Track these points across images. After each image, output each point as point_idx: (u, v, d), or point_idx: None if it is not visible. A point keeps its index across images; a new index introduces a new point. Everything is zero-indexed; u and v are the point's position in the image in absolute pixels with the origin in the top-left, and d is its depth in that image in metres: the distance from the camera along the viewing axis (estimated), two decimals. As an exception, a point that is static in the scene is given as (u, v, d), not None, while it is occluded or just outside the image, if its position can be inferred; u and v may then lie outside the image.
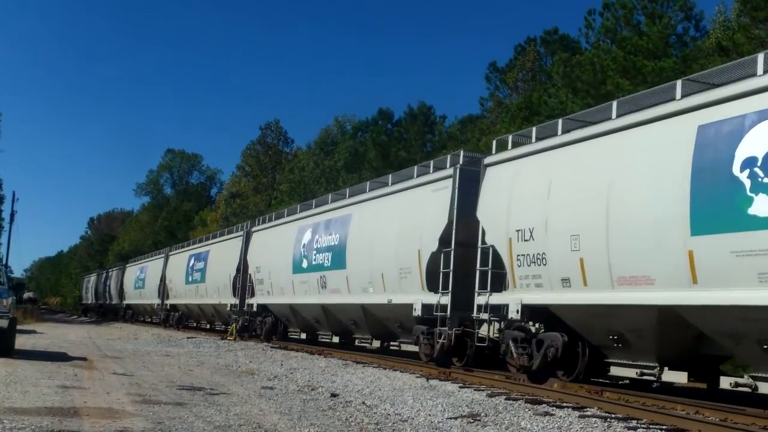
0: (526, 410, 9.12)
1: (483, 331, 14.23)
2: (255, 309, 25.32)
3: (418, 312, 15.34)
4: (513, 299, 12.69)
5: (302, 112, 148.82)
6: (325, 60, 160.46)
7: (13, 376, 10.88)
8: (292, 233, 22.66)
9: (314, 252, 20.60)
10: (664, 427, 8.15)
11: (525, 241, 12.38)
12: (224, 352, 19.34)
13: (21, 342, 17.21)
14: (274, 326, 24.50)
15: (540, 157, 12.73)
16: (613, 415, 8.85)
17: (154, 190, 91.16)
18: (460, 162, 15.23)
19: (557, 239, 11.63)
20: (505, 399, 10.20)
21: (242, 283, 26.68)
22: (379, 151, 44.39)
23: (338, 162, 47.23)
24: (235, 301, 27.23)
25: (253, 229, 27.16)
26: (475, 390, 11.29)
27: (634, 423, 8.34)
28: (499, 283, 13.40)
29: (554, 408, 9.37)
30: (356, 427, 7.64)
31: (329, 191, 28.32)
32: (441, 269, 14.72)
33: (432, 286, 15.15)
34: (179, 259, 37.81)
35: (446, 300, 14.54)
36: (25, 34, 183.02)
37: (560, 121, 12.83)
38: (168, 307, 38.86)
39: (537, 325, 12.90)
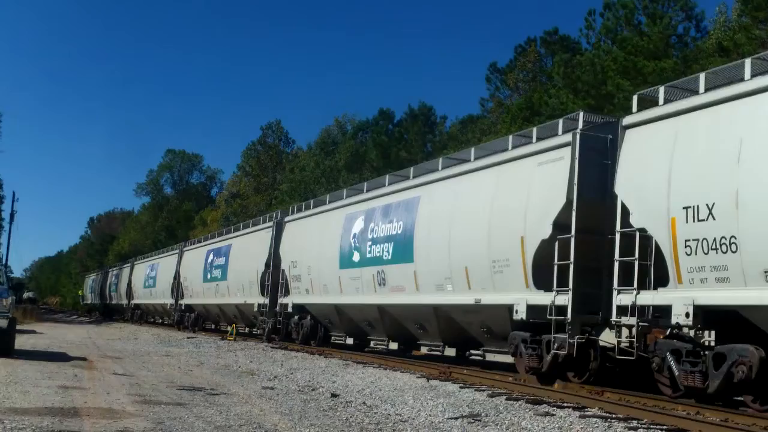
0: (527, 410, 9.11)
1: (609, 338, 11.28)
2: (290, 309, 22.47)
3: (521, 315, 12.31)
4: (679, 298, 9.76)
5: (303, 112, 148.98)
6: (325, 60, 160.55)
7: (13, 376, 10.88)
8: (338, 222, 19.72)
9: (369, 243, 17.69)
10: (664, 427, 8.14)
11: (699, 221, 9.54)
12: (224, 353, 19.33)
13: (21, 342, 17.20)
14: (313, 329, 21.71)
15: (718, 110, 9.76)
16: (613, 416, 8.84)
17: (154, 190, 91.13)
18: (580, 126, 12.31)
19: (757, 217, 8.88)
20: (506, 399, 10.19)
21: (273, 280, 23.74)
22: (380, 152, 44.39)
23: (339, 162, 47.22)
24: (264, 300, 24.28)
25: (287, 218, 23.95)
26: (475, 390, 11.28)
27: (634, 423, 8.33)
28: (643, 278, 10.60)
29: (555, 408, 9.37)
30: (356, 427, 7.64)
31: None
32: (556, 261, 11.68)
33: (541, 282, 12.18)
34: (196, 255, 34.49)
35: (564, 300, 11.55)
36: (25, 34, 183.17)
37: (748, 61, 9.80)
38: (183, 307, 35.68)
39: (710, 334, 9.97)
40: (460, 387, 11.69)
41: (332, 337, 21.30)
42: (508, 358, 13.47)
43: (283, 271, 22.99)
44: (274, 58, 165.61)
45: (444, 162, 16.22)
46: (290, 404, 9.22)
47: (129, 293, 49.18)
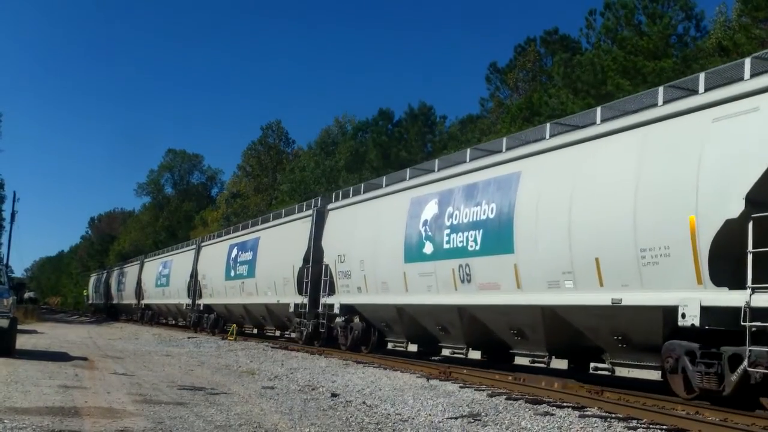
0: (527, 410, 9.12)
1: None
2: (336, 310, 19.64)
3: (692, 320, 9.43)
4: None
5: (303, 112, 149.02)
6: (325, 60, 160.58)
7: (14, 375, 10.90)
8: (401, 207, 16.82)
9: (446, 231, 14.69)
10: (664, 427, 8.15)
11: None
12: (225, 352, 19.35)
13: (22, 342, 17.23)
14: (365, 333, 18.86)
15: None
16: (613, 415, 8.85)
17: (154, 190, 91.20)
18: None
19: None
20: (506, 399, 10.20)
21: (313, 277, 20.98)
22: (380, 152, 44.41)
23: (339, 162, 47.25)
24: (302, 299, 21.46)
25: (330, 206, 21.23)
26: (475, 390, 11.29)
27: (634, 423, 8.34)
28: None
29: (554, 408, 9.37)
30: (356, 427, 7.65)
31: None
32: (750, 248, 8.84)
33: (722, 277, 9.42)
34: (216, 250, 31.21)
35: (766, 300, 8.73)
36: (26, 34, 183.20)
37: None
38: (201, 308, 32.44)
39: None
40: (460, 387, 11.70)
41: (389, 343, 18.24)
42: (651, 374, 10.81)
43: (327, 266, 20.23)
44: (274, 58, 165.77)
45: (553, 128, 13.05)
46: (290, 404, 9.24)
47: (138, 293, 46.27)
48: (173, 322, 40.08)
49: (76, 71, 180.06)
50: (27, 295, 46.48)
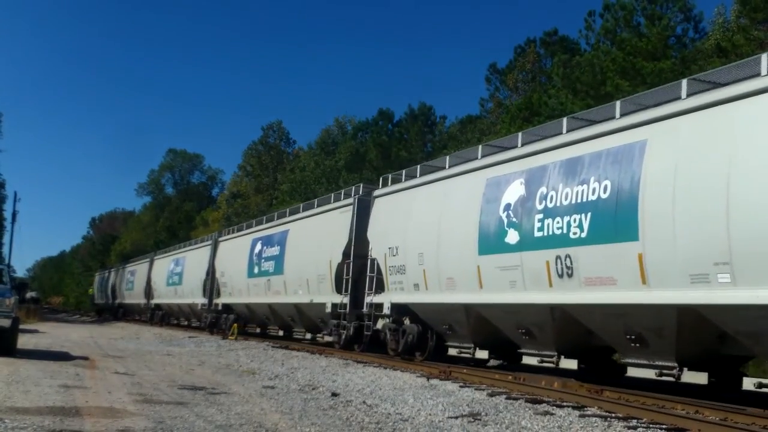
0: (527, 409, 9.15)
1: None
2: (386, 311, 17.17)
3: None
4: None
5: (303, 112, 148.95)
6: (325, 60, 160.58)
7: (15, 375, 10.93)
8: (473, 191, 14.22)
9: (538, 217, 12.24)
10: (664, 426, 8.18)
11: None
12: (225, 352, 19.38)
13: (23, 341, 17.27)
14: (421, 337, 16.35)
15: None
16: (613, 415, 8.88)
17: (155, 190, 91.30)
18: None
19: None
20: (506, 398, 10.23)
21: (354, 273, 18.86)
22: (380, 152, 44.45)
23: (339, 162, 47.29)
24: (342, 298, 19.23)
25: (377, 193, 18.77)
26: (475, 389, 11.32)
27: (634, 422, 8.36)
28: None
29: (554, 407, 9.40)
30: (357, 427, 7.68)
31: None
32: None
33: None
34: (237, 246, 28.72)
35: None
36: (27, 34, 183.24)
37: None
38: (220, 308, 29.88)
39: None
40: (460, 386, 11.73)
41: (451, 349, 15.74)
42: None
43: (374, 261, 17.89)
44: (274, 58, 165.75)
45: (691, 86, 10.44)
46: (291, 403, 9.27)
47: (148, 292, 43.56)
48: (186, 323, 37.72)
49: (76, 71, 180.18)
50: (29, 294, 46.16)
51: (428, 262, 15.46)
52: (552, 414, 8.83)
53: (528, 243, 12.44)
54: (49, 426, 6.81)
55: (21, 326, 17.43)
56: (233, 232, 30.93)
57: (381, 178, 19.61)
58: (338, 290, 19.49)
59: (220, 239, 31.68)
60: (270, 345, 22.56)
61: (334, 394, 10.33)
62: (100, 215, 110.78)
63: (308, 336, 24.13)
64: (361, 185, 20.24)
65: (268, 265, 24.62)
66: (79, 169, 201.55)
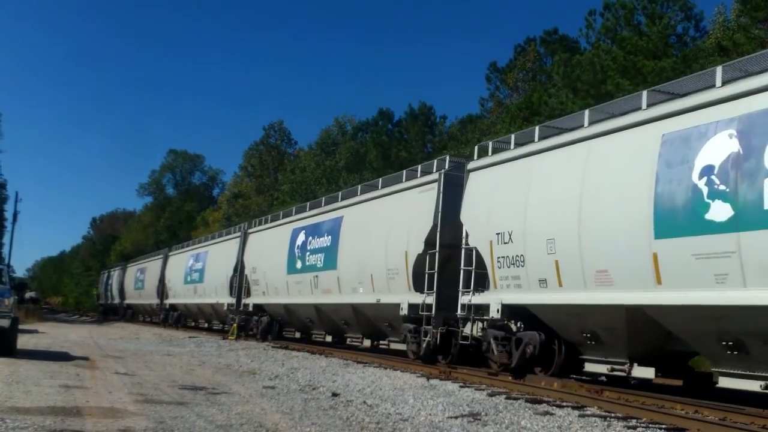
0: (527, 409, 9.15)
1: None
2: (495, 314, 13.36)
3: None
4: None
5: (303, 112, 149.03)
6: (325, 60, 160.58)
7: (16, 375, 10.93)
8: (639, 152, 10.65)
9: (745, 178, 9.05)
10: (663, 426, 8.18)
11: None
12: (226, 352, 19.38)
13: (23, 342, 17.27)
14: (545, 349, 12.65)
15: None
16: (612, 414, 8.88)
17: (156, 191, 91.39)
18: None
19: None
20: (506, 398, 10.24)
21: (439, 266, 15.33)
22: (380, 152, 44.47)
23: (339, 162, 47.31)
24: (423, 298, 15.57)
25: (472, 165, 14.93)
26: (475, 389, 11.33)
27: (633, 422, 8.37)
28: None
29: (554, 407, 9.40)
30: (357, 427, 7.69)
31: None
32: None
33: None
34: (272, 237, 25.28)
35: None
36: (27, 34, 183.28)
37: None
38: (250, 308, 26.43)
39: None
40: (460, 386, 11.73)
41: (590, 364, 12.02)
42: None
43: (471, 250, 14.33)
44: (273, 58, 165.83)
45: None
46: (291, 403, 9.27)
47: (161, 291, 40.18)
48: (206, 325, 34.25)
49: (77, 71, 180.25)
50: (28, 295, 46.11)
51: (563, 250, 11.71)
52: (552, 414, 8.83)
53: (750, 219, 8.92)
54: (49, 426, 6.82)
55: (20, 326, 17.43)
56: (266, 222, 27.10)
57: (476, 147, 15.42)
58: (417, 288, 15.83)
59: (251, 230, 27.82)
60: (270, 345, 22.56)
61: (335, 394, 10.34)
62: (101, 215, 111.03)
63: (366, 343, 19.96)
64: (447, 158, 16.63)
65: (316, 259, 20.93)
66: (80, 169, 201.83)
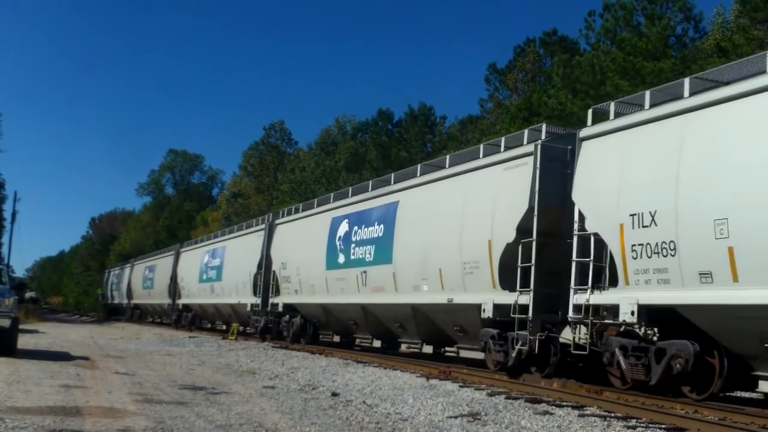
0: (526, 409, 9.16)
1: None
2: (629, 317, 10.54)
3: None
4: None
5: (303, 112, 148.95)
6: (325, 61, 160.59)
7: (16, 375, 10.94)
8: None
9: None
10: (663, 426, 8.19)
11: None
12: (226, 352, 19.38)
13: (23, 341, 17.27)
14: (698, 361, 9.90)
15: None
16: (612, 414, 8.89)
17: (155, 190, 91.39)
18: None
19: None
20: (505, 398, 10.24)
21: (534, 256, 12.41)
22: (380, 152, 44.50)
23: (339, 162, 47.33)
24: (518, 297, 12.65)
25: (585, 132, 12.14)
26: (475, 389, 11.33)
27: (633, 422, 8.38)
28: None
29: (554, 407, 9.41)
30: (357, 426, 7.69)
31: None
32: None
33: None
34: (306, 228, 22.33)
35: None
36: (27, 34, 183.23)
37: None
38: (280, 309, 23.50)
39: None
40: (460, 386, 11.73)
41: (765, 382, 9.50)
42: None
43: (593, 237, 11.47)
44: (274, 59, 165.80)
45: None
46: (291, 403, 9.28)
47: (173, 291, 37.54)
48: (224, 327, 31.68)
49: (77, 71, 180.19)
50: (28, 294, 45.74)
51: (743, 233, 9.01)
52: (551, 414, 8.84)
53: None
54: (50, 426, 6.82)
55: (21, 326, 17.44)
56: (295, 212, 24.18)
57: (590, 112, 12.71)
58: (505, 285, 13.16)
59: (278, 222, 24.90)
60: (270, 345, 22.54)
61: (334, 394, 10.35)
62: (100, 215, 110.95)
63: (428, 349, 16.90)
64: (543, 126, 13.84)
65: (363, 252, 18.11)
66: (79, 169, 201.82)
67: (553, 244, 12.43)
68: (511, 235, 12.88)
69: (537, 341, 12.25)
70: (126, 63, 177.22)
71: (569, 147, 12.63)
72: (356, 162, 45.68)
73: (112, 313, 56.47)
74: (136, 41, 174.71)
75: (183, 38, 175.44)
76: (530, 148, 13.02)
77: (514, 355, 12.74)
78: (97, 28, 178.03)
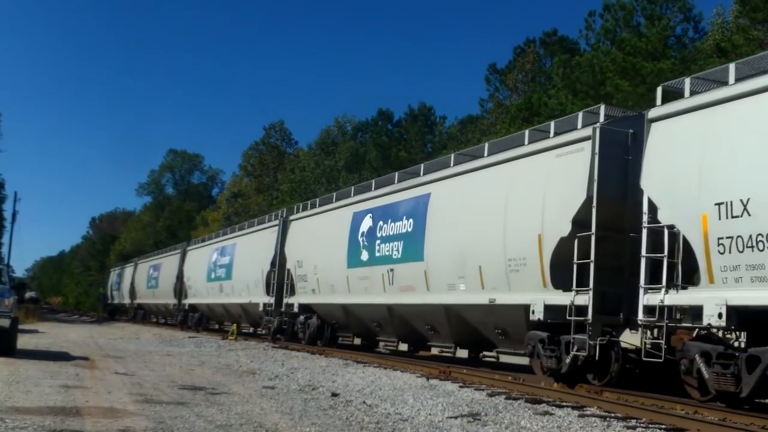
0: (526, 409, 9.16)
1: None
2: (716, 320, 9.35)
3: None
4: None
5: (303, 112, 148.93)
6: (325, 61, 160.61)
7: (15, 375, 10.94)
8: None
9: None
10: (663, 426, 8.19)
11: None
12: (225, 352, 19.37)
13: (23, 341, 17.27)
14: None
15: None
16: (612, 415, 8.89)
17: (155, 190, 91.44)
18: None
19: None
20: (505, 398, 10.24)
21: (593, 252, 11.31)
22: (380, 152, 44.51)
23: (339, 162, 47.34)
24: (574, 298, 11.45)
25: (659, 113, 10.84)
26: (475, 389, 11.33)
27: (633, 422, 8.37)
28: None
29: (554, 407, 9.41)
30: (357, 427, 7.69)
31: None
32: None
33: None
34: (323, 224, 21.16)
35: None
36: (27, 34, 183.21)
37: None
38: (295, 309, 22.36)
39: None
40: (460, 386, 11.73)
41: None
42: None
43: (673, 232, 10.24)
44: (274, 59, 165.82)
45: None
46: (291, 403, 9.28)
47: (179, 290, 36.31)
48: (225, 327, 31.06)
49: (76, 71, 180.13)
50: (28, 294, 45.70)
51: None
52: (551, 414, 8.84)
53: None
54: (49, 426, 6.82)
55: (20, 326, 17.44)
56: (312, 207, 23.06)
57: (659, 90, 11.21)
58: (557, 284, 11.98)
59: (292, 218, 23.98)
60: (270, 345, 22.53)
61: (334, 394, 10.35)
62: (100, 215, 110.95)
63: (461, 354, 16.07)
64: (602, 107, 12.61)
65: (390, 249, 17.01)
66: (79, 169, 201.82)
67: (611, 238, 11.39)
68: (565, 229, 11.70)
69: (597, 346, 11.06)
70: (125, 62, 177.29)
71: (630, 130, 11.62)
72: (356, 162, 45.68)
73: (114, 314, 55.74)
74: (135, 41, 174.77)
75: (183, 38, 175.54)
76: (587, 131, 11.83)
77: (568, 361, 11.57)
78: (97, 29, 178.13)
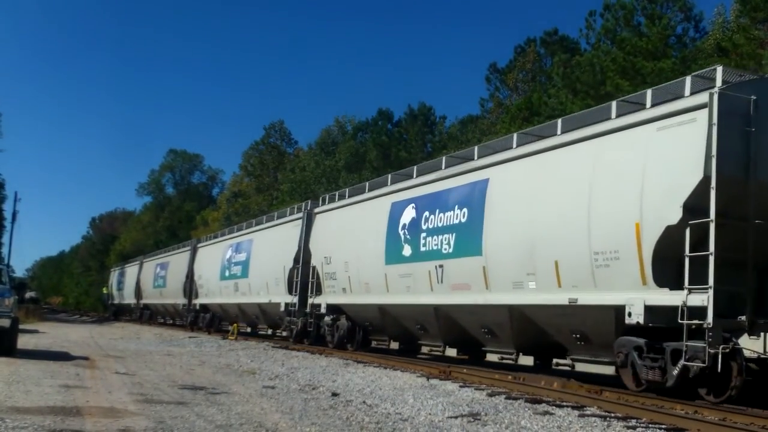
0: (526, 409, 9.16)
1: None
2: None
3: None
4: None
5: (303, 112, 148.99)
6: (325, 60, 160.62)
7: (16, 375, 10.94)
8: None
9: None
10: (663, 426, 8.18)
11: None
12: (226, 352, 19.37)
13: (23, 341, 17.28)
14: None
15: None
16: (612, 414, 8.88)
17: (155, 190, 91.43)
18: None
19: None
20: (505, 398, 10.24)
21: (713, 244, 9.42)
22: (380, 152, 44.51)
23: (339, 162, 47.34)
24: (685, 297, 9.64)
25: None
26: (475, 389, 11.32)
27: (633, 422, 8.37)
28: None
29: (554, 407, 9.40)
30: (357, 426, 7.69)
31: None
32: None
33: None
34: (355, 217, 19.32)
35: None
36: (27, 33, 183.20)
37: None
38: (322, 309, 20.45)
39: None
40: (460, 386, 11.73)
41: None
42: None
43: None
44: (274, 59, 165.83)
45: None
46: (291, 403, 9.28)
47: (189, 290, 34.50)
48: (248, 330, 29.68)
49: (76, 71, 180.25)
50: (28, 294, 45.43)
51: None
52: (551, 414, 8.84)
53: None
54: (50, 426, 6.82)
55: (21, 326, 17.45)
56: (340, 198, 20.90)
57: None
58: (660, 281, 10.26)
59: (318, 210, 21.85)
60: (270, 345, 22.53)
61: (335, 394, 10.35)
62: (100, 215, 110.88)
63: (525, 361, 14.16)
64: (719, 70, 10.49)
65: (438, 242, 15.08)
66: (80, 169, 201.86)
67: (731, 226, 9.64)
68: (674, 215, 9.82)
69: (720, 356, 9.19)
70: (125, 62, 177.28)
71: (753, 97, 9.85)
72: (356, 162, 45.68)
73: (117, 314, 54.27)
74: (135, 41, 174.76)
75: (183, 37, 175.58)
76: (702, 98, 9.90)
77: (676, 372, 9.72)
78: (97, 28, 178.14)
